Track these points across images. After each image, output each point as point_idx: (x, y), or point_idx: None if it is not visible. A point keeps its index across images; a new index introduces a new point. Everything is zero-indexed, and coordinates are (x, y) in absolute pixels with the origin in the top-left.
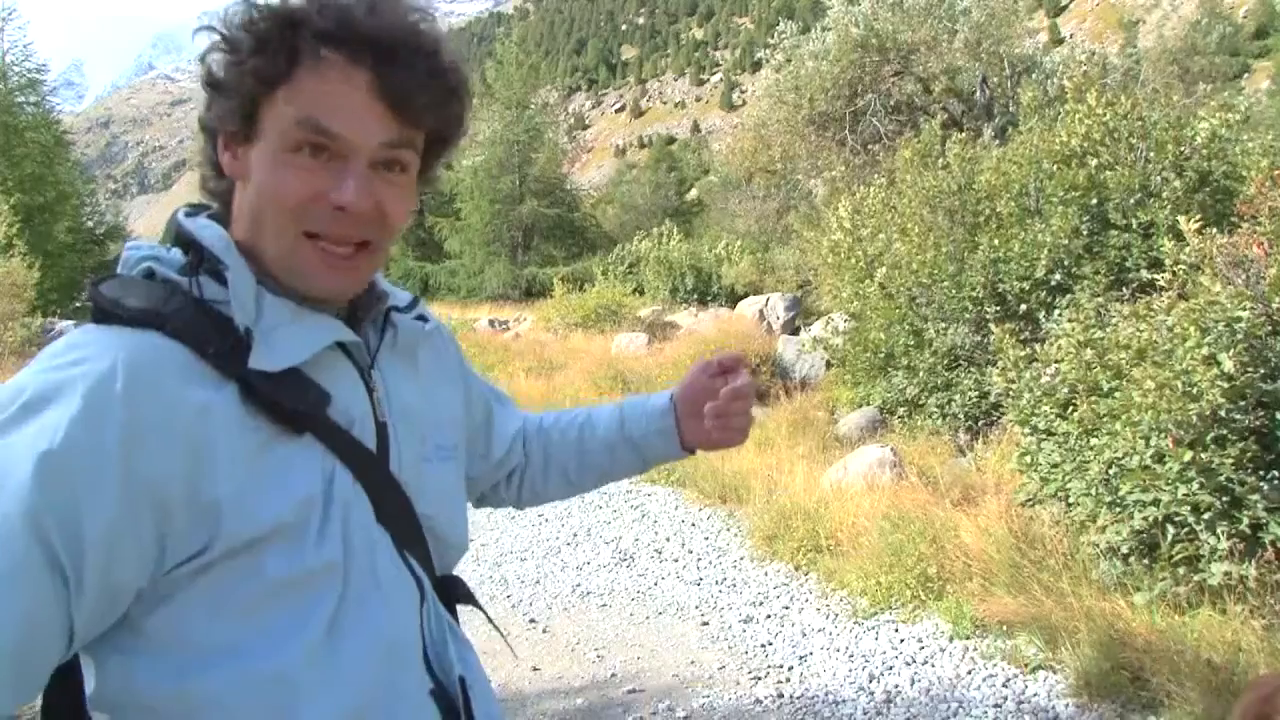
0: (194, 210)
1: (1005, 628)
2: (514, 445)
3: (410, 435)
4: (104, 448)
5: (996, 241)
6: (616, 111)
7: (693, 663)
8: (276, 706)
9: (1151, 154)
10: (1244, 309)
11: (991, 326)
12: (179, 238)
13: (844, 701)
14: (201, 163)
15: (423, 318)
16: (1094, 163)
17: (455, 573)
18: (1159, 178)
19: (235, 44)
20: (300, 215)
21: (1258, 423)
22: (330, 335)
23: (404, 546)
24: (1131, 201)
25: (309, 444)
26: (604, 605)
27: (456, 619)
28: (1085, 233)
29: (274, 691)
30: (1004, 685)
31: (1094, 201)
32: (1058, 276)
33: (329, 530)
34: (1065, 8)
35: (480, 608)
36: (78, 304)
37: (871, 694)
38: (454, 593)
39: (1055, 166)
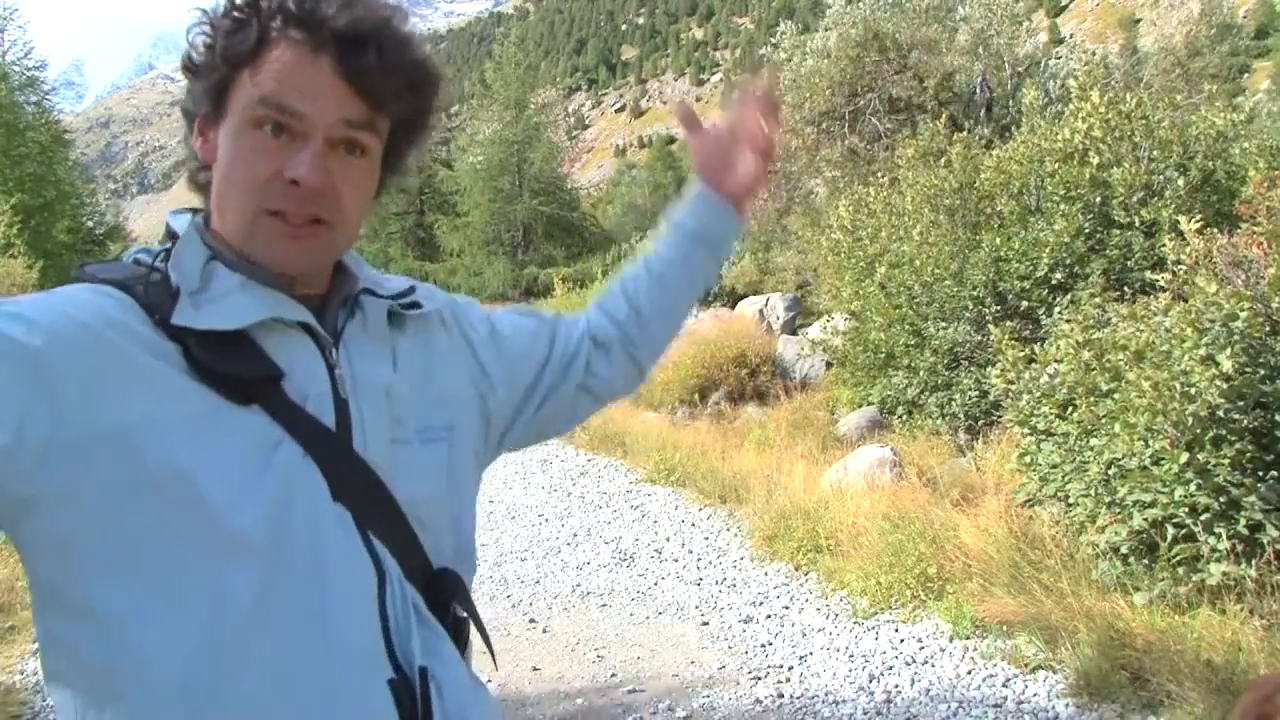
0: (188, 210)
1: (1005, 628)
2: (582, 343)
3: (378, 415)
4: (37, 324)
5: (998, 240)
6: (616, 111)
7: (693, 663)
8: (214, 673)
9: (1155, 152)
10: (1242, 309)
11: (991, 326)
12: (167, 230)
13: (844, 701)
14: (187, 154)
15: (415, 304)
16: (1096, 161)
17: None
18: (1161, 177)
19: (214, 27)
20: (260, 193)
21: (1256, 423)
22: (271, 309)
23: (368, 527)
24: (1135, 200)
25: (254, 412)
26: (604, 605)
27: (448, 614)
28: (1088, 231)
29: (207, 661)
30: (1004, 685)
31: (1097, 200)
32: (1059, 275)
33: (257, 492)
34: (1065, 8)
35: (472, 612)
36: None
37: (871, 694)
38: (446, 588)
39: (1057, 165)
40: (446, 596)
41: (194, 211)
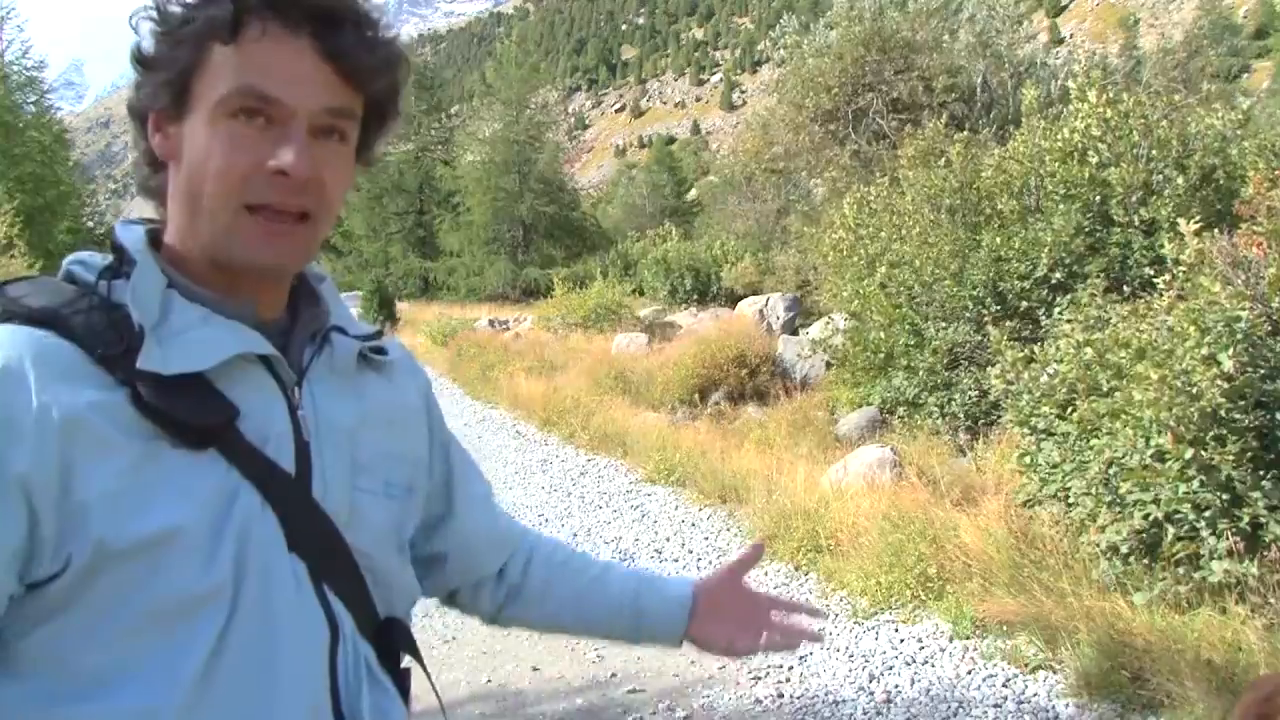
0: (138, 221)
1: (1005, 628)
2: (513, 562)
3: (340, 460)
4: None
5: (999, 240)
6: (616, 111)
7: (693, 663)
8: None
9: (1154, 151)
10: (1243, 309)
11: (990, 327)
12: (112, 243)
13: (844, 701)
14: (136, 158)
15: (381, 350)
16: (1095, 160)
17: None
18: (1160, 176)
19: (166, 16)
20: (241, 187)
21: (1258, 422)
22: (239, 345)
23: (324, 579)
24: (1134, 199)
25: (211, 459)
26: None
27: (396, 665)
28: (1087, 230)
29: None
30: (1004, 685)
31: (1096, 199)
32: (1058, 275)
33: (220, 553)
34: (1065, 8)
35: (420, 662)
36: None
37: (871, 694)
38: (394, 638)
39: (1057, 164)
40: (396, 646)
41: (145, 222)
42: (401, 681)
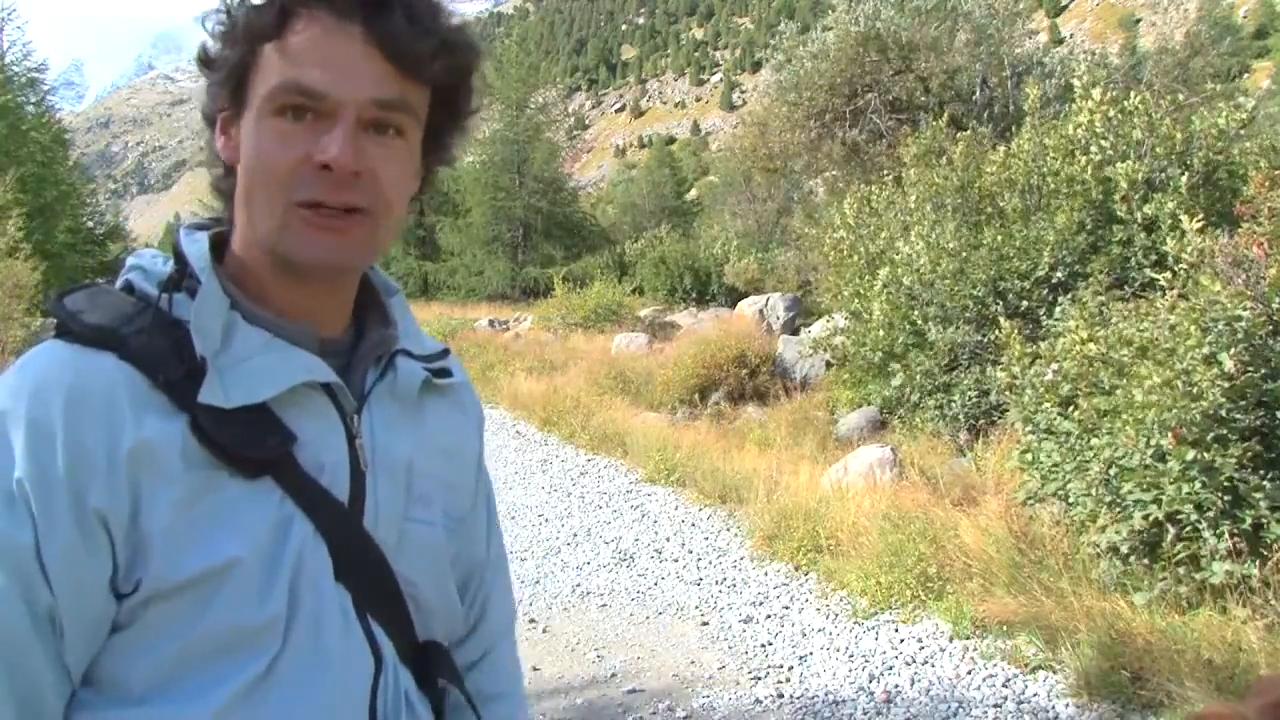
0: (203, 225)
1: (1005, 628)
2: (482, 635)
3: (394, 489)
4: (51, 477)
5: (1000, 238)
6: (616, 111)
7: (693, 663)
8: None
9: (1157, 149)
10: (1244, 309)
11: (1001, 320)
12: (175, 250)
13: (844, 701)
14: (211, 160)
15: (446, 371)
16: (1098, 157)
17: None
18: (1163, 174)
19: (222, 15)
20: (289, 183)
21: (1258, 422)
22: (301, 374)
23: (367, 609)
24: (1136, 196)
25: (267, 488)
26: (604, 605)
27: (434, 690)
28: (1090, 226)
29: None
30: (1004, 685)
31: (1099, 196)
32: (1060, 274)
33: (276, 586)
34: (1065, 8)
35: (461, 687)
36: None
37: (871, 694)
38: (436, 663)
39: (1059, 160)
40: (434, 671)
41: (209, 227)
42: (438, 702)
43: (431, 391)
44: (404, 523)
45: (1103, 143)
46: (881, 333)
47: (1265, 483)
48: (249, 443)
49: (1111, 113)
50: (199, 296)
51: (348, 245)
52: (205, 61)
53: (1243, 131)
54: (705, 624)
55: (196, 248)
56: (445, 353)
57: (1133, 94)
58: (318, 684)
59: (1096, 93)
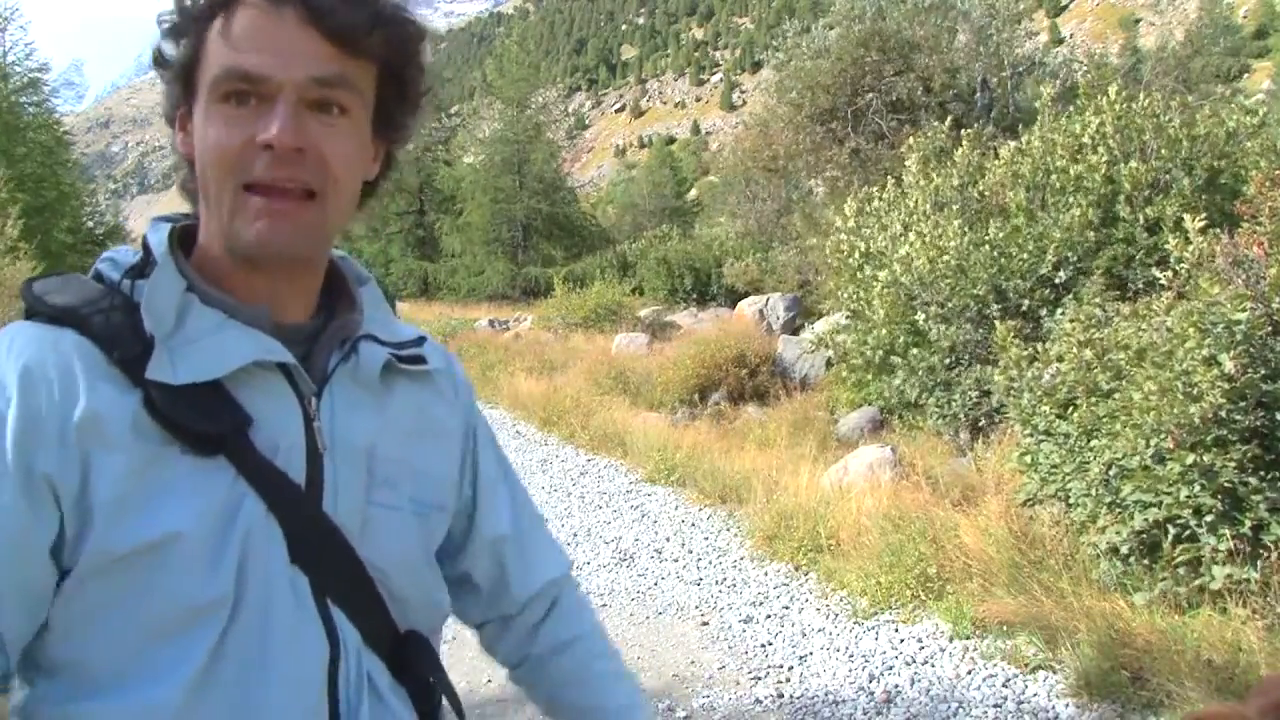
0: (172, 218)
1: (1005, 628)
2: (540, 596)
3: (354, 473)
4: (1, 442)
5: (1002, 236)
6: (616, 111)
7: (693, 663)
8: None
9: (1164, 150)
10: (1243, 309)
11: (996, 323)
12: (143, 240)
13: (844, 701)
14: (178, 163)
15: (419, 358)
16: (1106, 157)
17: None
18: (1168, 175)
19: (168, 13)
20: (236, 167)
21: (1258, 423)
22: (251, 353)
23: (328, 593)
24: (1141, 197)
25: (219, 466)
26: (604, 605)
27: (415, 680)
28: (1095, 224)
29: None
30: (1004, 685)
31: (1106, 195)
32: (1062, 274)
33: (223, 563)
34: (1065, 8)
35: (441, 677)
36: None
37: (871, 694)
38: (411, 653)
39: (1065, 160)
40: (412, 662)
41: (180, 219)
42: (427, 695)
43: (400, 377)
44: (367, 507)
45: (1110, 143)
46: (883, 331)
47: (1264, 485)
48: (199, 418)
49: (1121, 112)
50: (151, 278)
51: (297, 231)
52: (159, 62)
53: (1252, 134)
54: (705, 624)
55: (158, 236)
56: (420, 340)
57: (1142, 95)
58: (268, 665)
59: (1113, 90)
